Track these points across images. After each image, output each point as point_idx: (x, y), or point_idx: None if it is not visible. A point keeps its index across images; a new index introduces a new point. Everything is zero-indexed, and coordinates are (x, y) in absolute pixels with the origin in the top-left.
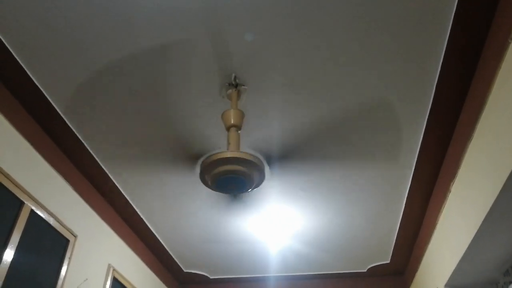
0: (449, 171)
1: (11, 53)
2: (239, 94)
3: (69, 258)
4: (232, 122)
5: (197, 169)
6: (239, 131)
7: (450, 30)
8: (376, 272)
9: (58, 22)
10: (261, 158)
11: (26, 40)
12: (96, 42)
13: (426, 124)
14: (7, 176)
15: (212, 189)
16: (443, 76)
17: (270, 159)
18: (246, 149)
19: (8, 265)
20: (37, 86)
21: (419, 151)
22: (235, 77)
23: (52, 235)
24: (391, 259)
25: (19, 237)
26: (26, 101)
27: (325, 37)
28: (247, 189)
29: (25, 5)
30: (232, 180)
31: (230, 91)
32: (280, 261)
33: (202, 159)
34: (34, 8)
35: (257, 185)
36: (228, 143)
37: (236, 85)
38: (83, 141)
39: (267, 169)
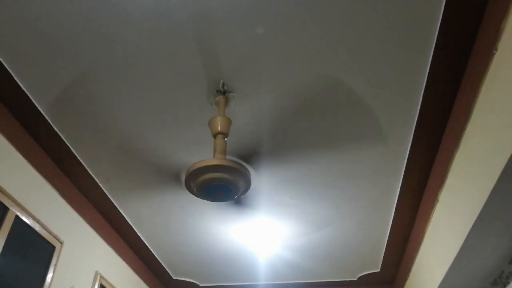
0: (437, 180)
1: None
2: (227, 101)
3: (55, 265)
4: (219, 129)
5: (183, 177)
6: (225, 138)
7: (437, 39)
8: (366, 280)
9: (50, 28)
10: (247, 166)
11: (14, 48)
12: (83, 49)
13: (414, 133)
14: None
15: (198, 197)
16: (430, 84)
17: (258, 166)
18: (233, 157)
19: None
20: (23, 91)
21: (407, 160)
22: (223, 84)
23: (37, 242)
24: (381, 268)
25: (3, 243)
26: (13, 106)
27: (313, 43)
28: (233, 197)
29: (16, 18)
30: (218, 188)
31: (218, 98)
32: (270, 269)
33: (187, 166)
34: (24, 19)
35: (243, 193)
36: (214, 151)
37: (224, 92)
38: (70, 147)
39: (255, 176)
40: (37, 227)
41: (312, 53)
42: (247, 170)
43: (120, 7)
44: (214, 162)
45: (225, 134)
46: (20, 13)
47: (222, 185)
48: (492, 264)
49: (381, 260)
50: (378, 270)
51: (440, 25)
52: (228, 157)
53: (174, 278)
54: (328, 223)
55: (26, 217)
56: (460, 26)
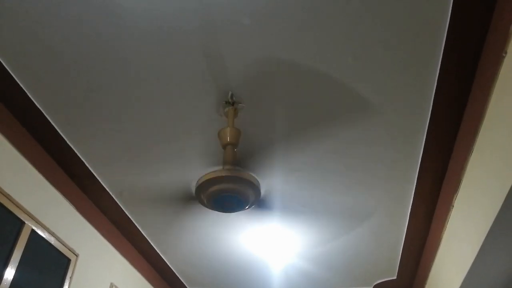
0: (451, 185)
1: (12, 77)
2: (236, 112)
3: (70, 278)
4: (228, 140)
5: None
6: (235, 149)
7: (445, 43)
8: None
9: (60, 45)
10: (256, 176)
11: (26, 64)
12: (93, 63)
13: (426, 138)
14: (7, 196)
15: (209, 208)
16: (440, 89)
17: (269, 175)
18: (243, 167)
19: (9, 284)
20: (37, 107)
21: (420, 165)
22: (231, 95)
23: (53, 254)
24: (397, 275)
25: (19, 256)
26: (27, 121)
27: (321, 52)
28: (243, 208)
29: (26, 30)
30: (228, 198)
31: (227, 109)
32: (284, 279)
33: (198, 177)
34: (34, 32)
35: (253, 203)
36: (224, 162)
37: (233, 103)
38: (84, 161)
39: (267, 185)
40: (52, 240)
41: (320, 61)
42: (257, 180)
43: (129, 22)
44: (223, 173)
45: (234, 145)
46: (33, 31)
47: (232, 196)
48: (510, 270)
49: (397, 267)
50: (395, 277)
51: (448, 29)
52: (237, 168)
53: None
54: (342, 231)
55: (41, 231)
56: (468, 30)
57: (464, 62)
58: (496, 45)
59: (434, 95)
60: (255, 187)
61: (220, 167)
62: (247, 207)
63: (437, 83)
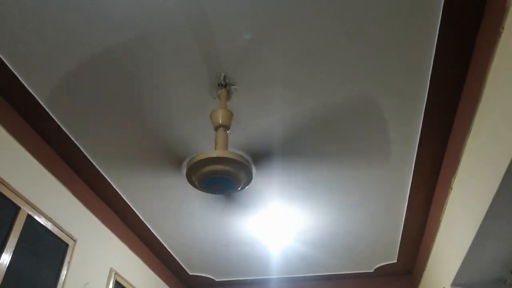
0: (449, 167)
1: (4, 63)
2: (229, 94)
3: (69, 263)
4: (220, 122)
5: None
6: (227, 131)
7: (441, 21)
8: (383, 272)
9: (47, 27)
10: (248, 157)
11: (16, 47)
12: (83, 45)
13: (423, 119)
14: (1, 181)
15: (200, 190)
16: (437, 69)
17: (266, 159)
18: (237, 150)
19: (5, 269)
20: (29, 92)
21: (418, 147)
22: (224, 77)
23: (50, 240)
24: (398, 259)
25: (15, 242)
26: (20, 106)
27: (314, 32)
28: (234, 189)
29: (16, 15)
30: (219, 180)
31: (219, 91)
32: (284, 263)
33: (187, 159)
34: (23, 16)
35: (245, 185)
36: (216, 143)
37: (226, 85)
38: (79, 146)
39: (264, 168)
40: (49, 225)
41: (313, 42)
42: (248, 162)
43: (118, 9)
44: (214, 154)
45: (226, 127)
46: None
47: (223, 178)
48: (510, 252)
49: (397, 251)
50: (395, 261)
51: (444, 6)
52: (231, 149)
53: (190, 273)
54: (341, 214)
55: (38, 216)
56: (464, 6)
57: (461, 39)
58: (493, 21)
59: (431, 76)
60: (247, 169)
61: (212, 149)
62: (239, 189)
63: (434, 63)
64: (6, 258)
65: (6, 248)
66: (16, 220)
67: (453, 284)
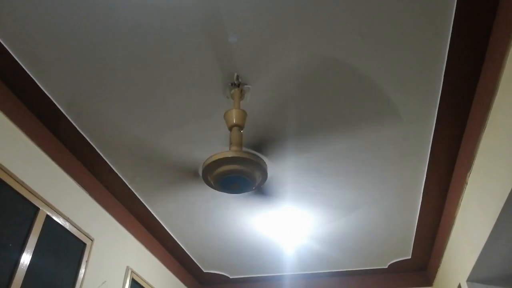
0: (464, 161)
1: (26, 72)
2: (242, 93)
3: (86, 261)
4: (234, 121)
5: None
6: (241, 131)
7: (454, 17)
8: (397, 268)
9: (64, 31)
10: (264, 157)
11: (36, 53)
12: (100, 48)
13: (437, 115)
14: (21, 183)
15: (216, 189)
16: (450, 66)
17: (279, 156)
18: (252, 149)
19: (25, 269)
20: (49, 98)
21: (432, 144)
22: (237, 77)
23: (68, 239)
24: (412, 255)
25: (35, 242)
26: (39, 111)
27: (326, 31)
28: (250, 189)
29: (32, 16)
30: (235, 179)
31: (233, 90)
32: (298, 260)
33: (203, 159)
34: (40, 19)
35: (260, 184)
36: (230, 143)
37: (239, 85)
38: (96, 148)
39: (277, 166)
40: (67, 225)
41: (326, 40)
42: (263, 161)
43: (133, 6)
44: (229, 154)
45: (240, 126)
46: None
47: (238, 177)
48: None
49: (412, 247)
50: (409, 257)
51: (457, 4)
52: (245, 149)
53: (205, 271)
54: (355, 211)
55: (56, 217)
56: (478, 4)
57: (475, 36)
58: (507, 17)
59: (445, 72)
60: (262, 168)
61: (227, 149)
62: (254, 188)
63: (447, 60)
64: (27, 257)
65: (26, 248)
66: (36, 221)
67: (468, 279)
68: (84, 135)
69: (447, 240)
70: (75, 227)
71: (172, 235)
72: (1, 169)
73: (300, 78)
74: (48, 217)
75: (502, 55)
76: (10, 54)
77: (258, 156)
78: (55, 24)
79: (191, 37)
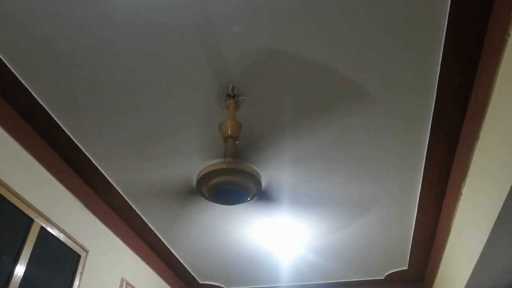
0: (459, 172)
1: (18, 78)
2: (237, 104)
3: (81, 273)
4: (229, 133)
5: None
6: (236, 142)
7: (447, 27)
8: (394, 279)
9: (60, 43)
10: (257, 168)
11: (31, 64)
12: (96, 60)
13: (432, 125)
14: (16, 194)
15: (210, 200)
16: (444, 75)
17: (274, 168)
18: (247, 160)
19: (19, 281)
20: (42, 106)
21: (427, 153)
22: (232, 88)
23: (63, 251)
24: (409, 265)
25: (29, 253)
26: (33, 121)
27: (321, 42)
28: (244, 200)
29: (27, 27)
30: (229, 191)
31: (228, 101)
32: (294, 271)
33: (197, 171)
34: (36, 30)
35: (254, 196)
36: (225, 154)
37: (234, 96)
38: (91, 159)
39: (272, 177)
40: (62, 237)
41: (320, 50)
42: (257, 172)
43: (126, 18)
44: (224, 165)
45: (235, 138)
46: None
47: (233, 188)
48: None
49: (408, 257)
50: (406, 267)
51: (449, 13)
52: (240, 160)
53: (201, 282)
54: (350, 222)
55: (51, 228)
56: (470, 13)
57: (467, 45)
58: (499, 27)
59: (438, 81)
60: (256, 180)
61: (221, 160)
62: (248, 200)
63: (441, 69)
64: (21, 269)
65: (20, 260)
66: (30, 232)
67: None
68: (80, 146)
69: (443, 251)
70: (69, 238)
71: (167, 246)
72: None
73: (295, 89)
74: (42, 228)
75: (494, 65)
76: (6, 65)
77: (252, 168)
78: (50, 35)
79: (186, 50)
